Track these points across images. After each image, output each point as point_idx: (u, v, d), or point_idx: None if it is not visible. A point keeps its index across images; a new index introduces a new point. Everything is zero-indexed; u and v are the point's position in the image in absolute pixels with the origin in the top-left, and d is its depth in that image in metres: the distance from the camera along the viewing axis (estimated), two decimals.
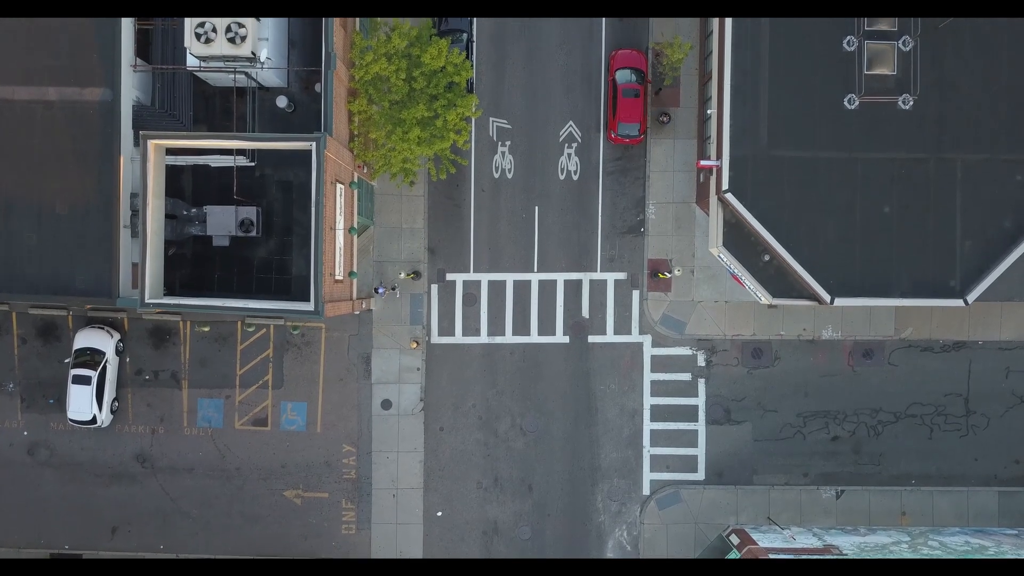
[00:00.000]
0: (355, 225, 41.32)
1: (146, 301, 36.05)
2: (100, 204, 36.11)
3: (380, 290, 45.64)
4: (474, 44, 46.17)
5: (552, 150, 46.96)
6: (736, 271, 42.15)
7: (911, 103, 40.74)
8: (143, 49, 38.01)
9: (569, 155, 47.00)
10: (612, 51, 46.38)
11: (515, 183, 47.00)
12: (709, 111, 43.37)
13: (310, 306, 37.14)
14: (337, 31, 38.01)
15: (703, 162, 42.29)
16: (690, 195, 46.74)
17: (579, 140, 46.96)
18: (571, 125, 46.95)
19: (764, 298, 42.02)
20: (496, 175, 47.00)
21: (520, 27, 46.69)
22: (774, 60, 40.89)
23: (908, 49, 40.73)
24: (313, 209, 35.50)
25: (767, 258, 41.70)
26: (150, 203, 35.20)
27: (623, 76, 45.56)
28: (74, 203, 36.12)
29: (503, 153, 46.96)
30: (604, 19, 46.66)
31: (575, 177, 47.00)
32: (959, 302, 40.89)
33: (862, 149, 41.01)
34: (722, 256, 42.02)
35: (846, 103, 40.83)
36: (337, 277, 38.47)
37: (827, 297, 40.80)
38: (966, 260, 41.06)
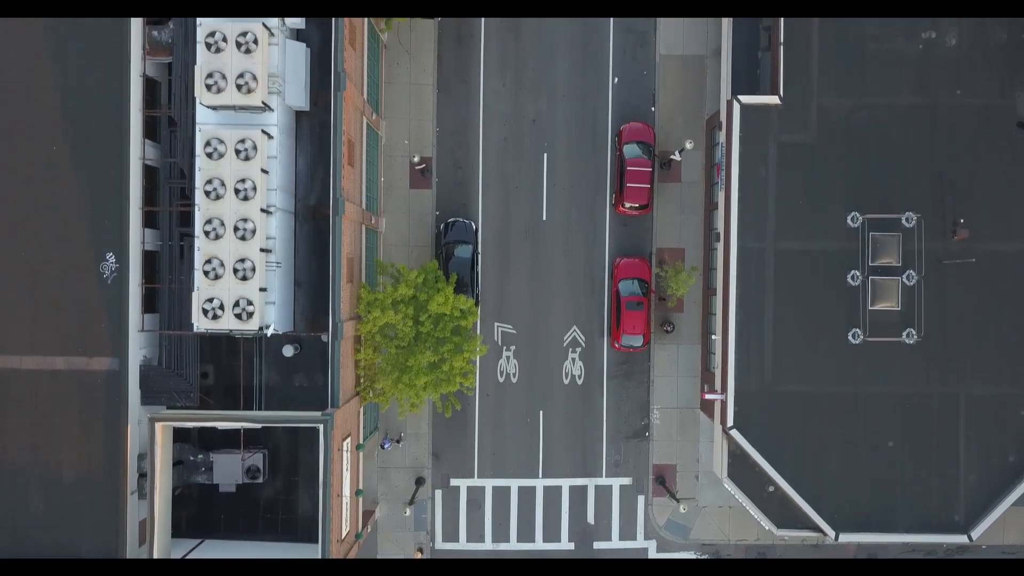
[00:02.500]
0: (361, 488, 41.65)
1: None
2: (107, 473, 36.10)
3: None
4: (479, 256, 46.23)
5: (556, 355, 47.04)
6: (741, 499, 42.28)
7: (915, 338, 40.89)
8: (149, 221, 37.98)
9: (573, 359, 47.08)
10: (616, 259, 46.46)
11: (520, 388, 47.07)
12: (713, 336, 43.49)
13: (316, 553, 37.33)
14: (344, 286, 38.07)
15: (708, 395, 42.38)
16: (694, 400, 46.84)
17: (583, 345, 47.04)
18: (575, 330, 47.04)
19: (769, 528, 42.16)
20: (501, 380, 47.06)
21: (524, 231, 46.76)
22: (779, 294, 41.04)
23: (912, 284, 40.90)
24: (320, 487, 35.60)
25: (772, 488, 41.82)
26: (158, 479, 35.22)
27: (626, 287, 45.63)
28: (81, 471, 36.12)
29: (508, 358, 47.02)
30: (608, 224, 46.77)
31: (579, 382, 47.09)
32: (963, 538, 41.07)
33: (866, 384, 41.19)
34: (727, 486, 42.18)
35: (850, 338, 41.00)
36: (342, 537, 38.52)
37: (831, 532, 40.95)
38: (970, 494, 41.27)
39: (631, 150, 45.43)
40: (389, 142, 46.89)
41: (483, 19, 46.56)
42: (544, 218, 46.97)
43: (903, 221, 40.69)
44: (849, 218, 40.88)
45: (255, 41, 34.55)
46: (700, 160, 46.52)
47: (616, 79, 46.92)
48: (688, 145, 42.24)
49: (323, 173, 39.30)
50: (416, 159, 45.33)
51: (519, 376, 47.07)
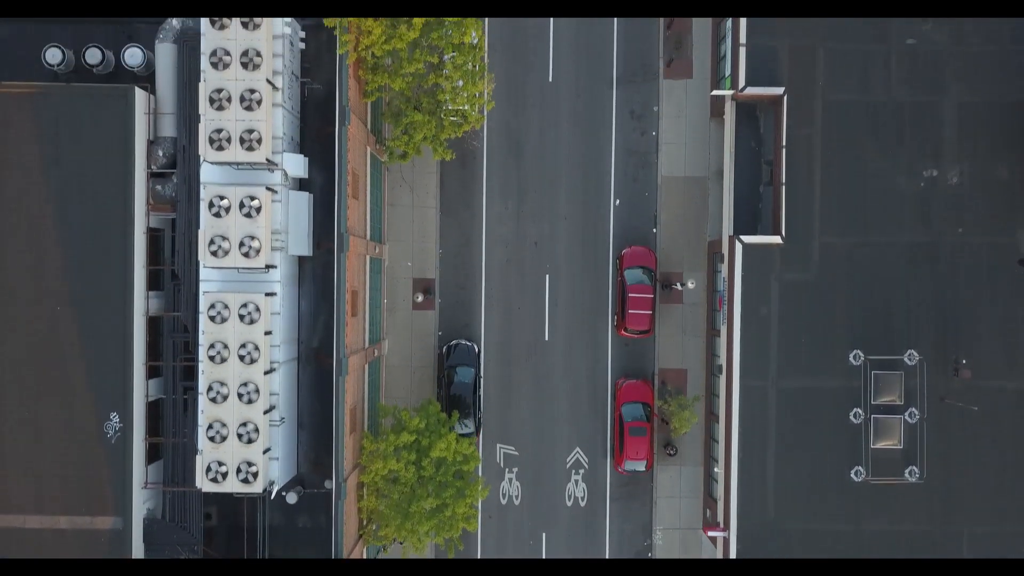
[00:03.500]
0: None
1: None
2: None
3: None
4: (481, 380, 46.30)
5: (559, 476, 47.06)
6: None
7: (918, 476, 40.92)
8: (153, 370, 37.98)
9: (576, 481, 47.10)
10: (618, 380, 46.52)
11: (522, 510, 47.08)
12: (716, 468, 43.54)
13: None
14: (348, 437, 38.15)
15: (711, 532, 42.42)
16: (696, 521, 46.85)
17: (586, 467, 47.06)
18: (578, 451, 47.08)
19: None
20: (503, 501, 47.07)
21: (527, 352, 46.84)
22: (781, 431, 41.12)
23: (915, 422, 40.94)
24: None
25: None
26: None
27: (629, 410, 45.65)
28: None
29: (510, 480, 47.05)
30: (609, 345, 46.83)
31: (582, 504, 47.10)
32: None
33: (869, 521, 41.22)
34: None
35: (853, 476, 41.03)
36: None
37: None
38: None
39: (633, 275, 45.50)
40: (392, 264, 46.98)
41: (485, 144, 46.61)
42: (546, 339, 47.05)
43: (905, 359, 40.73)
44: (851, 356, 40.93)
45: (258, 208, 34.63)
46: (702, 282, 46.59)
47: (618, 201, 47.01)
48: (690, 284, 42.37)
49: (326, 316, 39.39)
50: (419, 298, 45.57)
51: (521, 498, 47.09)
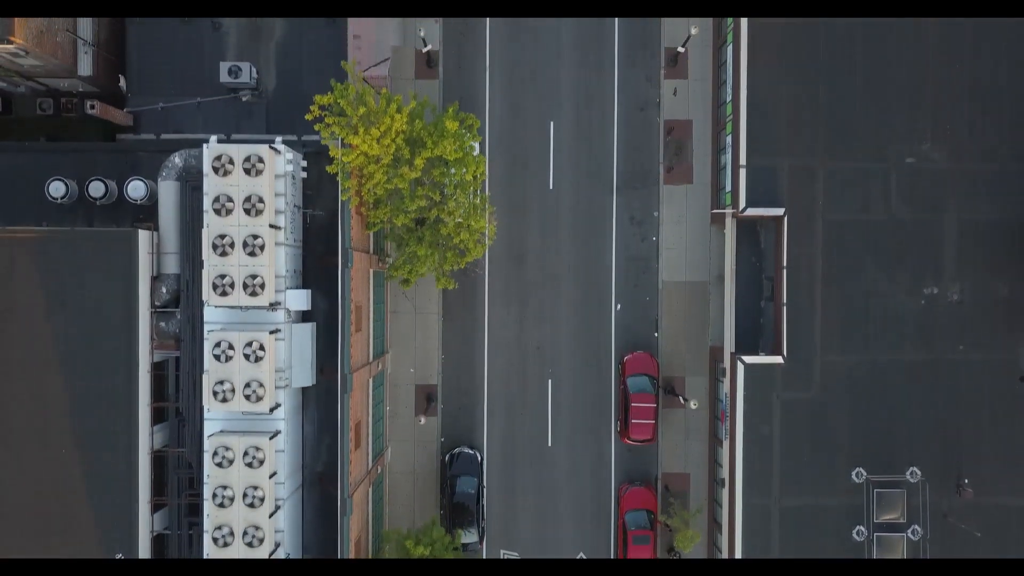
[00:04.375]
0: None
1: None
2: None
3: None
4: (484, 489, 46.42)
5: None
6: None
7: None
8: (158, 503, 38.12)
9: None
10: (621, 486, 46.65)
11: None
12: None
13: None
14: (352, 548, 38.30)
15: None
16: None
17: None
18: (581, 557, 47.17)
19: None
20: None
21: (529, 458, 46.98)
22: (784, 549, 41.23)
23: (917, 539, 41.06)
24: None
25: None
26: None
27: (633, 518, 45.75)
28: None
29: None
30: (612, 450, 46.95)
31: None
32: None
33: None
34: None
35: None
36: None
37: None
38: None
39: (635, 383, 45.62)
40: (395, 371, 47.13)
41: (487, 255, 46.68)
42: (549, 444, 47.17)
43: (907, 477, 40.83)
44: (853, 474, 41.03)
45: (261, 353, 34.79)
46: (704, 386, 46.71)
47: (619, 306, 47.15)
48: (692, 405, 42.50)
49: (330, 439, 39.53)
50: (422, 420, 45.81)
51: None
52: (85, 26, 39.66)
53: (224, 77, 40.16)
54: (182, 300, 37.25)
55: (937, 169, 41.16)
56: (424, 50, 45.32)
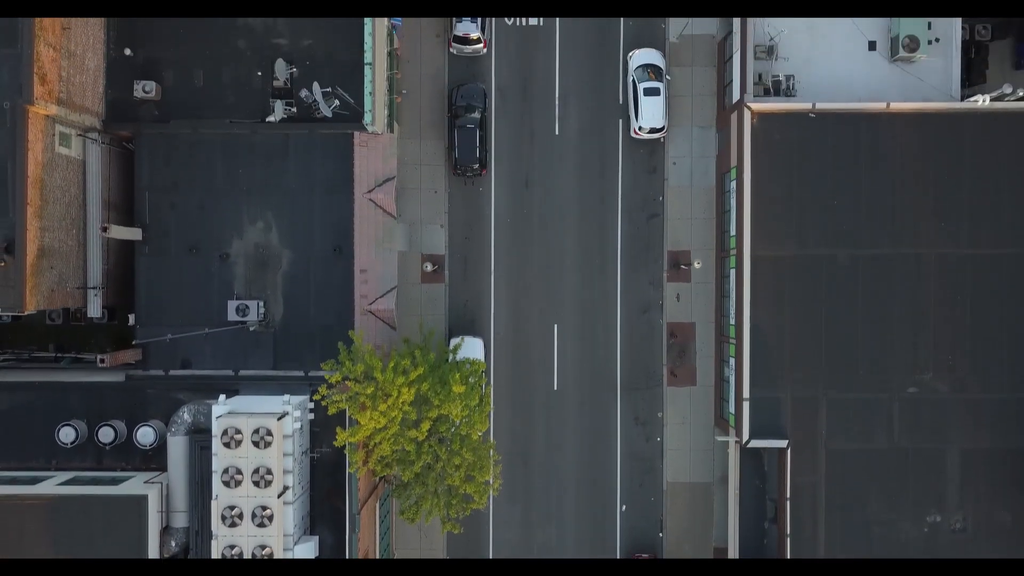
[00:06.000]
0: None
1: None
2: None
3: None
4: None
5: None
6: None
7: None
8: None
9: None
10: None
11: None
12: None
13: None
14: None
15: None
16: None
17: None
18: None
19: None
20: None
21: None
22: None
23: None
24: None
25: None
26: None
27: None
28: None
29: None
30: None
31: None
32: None
33: None
34: None
35: None
36: None
37: None
38: None
39: None
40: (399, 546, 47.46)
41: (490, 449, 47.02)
42: None
43: None
44: None
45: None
46: None
47: (624, 507, 47.46)
48: None
49: None
50: None
51: None
52: (94, 270, 40.08)
53: (232, 316, 40.70)
54: (191, 554, 37.65)
55: (939, 399, 41.47)
56: (429, 269, 45.95)
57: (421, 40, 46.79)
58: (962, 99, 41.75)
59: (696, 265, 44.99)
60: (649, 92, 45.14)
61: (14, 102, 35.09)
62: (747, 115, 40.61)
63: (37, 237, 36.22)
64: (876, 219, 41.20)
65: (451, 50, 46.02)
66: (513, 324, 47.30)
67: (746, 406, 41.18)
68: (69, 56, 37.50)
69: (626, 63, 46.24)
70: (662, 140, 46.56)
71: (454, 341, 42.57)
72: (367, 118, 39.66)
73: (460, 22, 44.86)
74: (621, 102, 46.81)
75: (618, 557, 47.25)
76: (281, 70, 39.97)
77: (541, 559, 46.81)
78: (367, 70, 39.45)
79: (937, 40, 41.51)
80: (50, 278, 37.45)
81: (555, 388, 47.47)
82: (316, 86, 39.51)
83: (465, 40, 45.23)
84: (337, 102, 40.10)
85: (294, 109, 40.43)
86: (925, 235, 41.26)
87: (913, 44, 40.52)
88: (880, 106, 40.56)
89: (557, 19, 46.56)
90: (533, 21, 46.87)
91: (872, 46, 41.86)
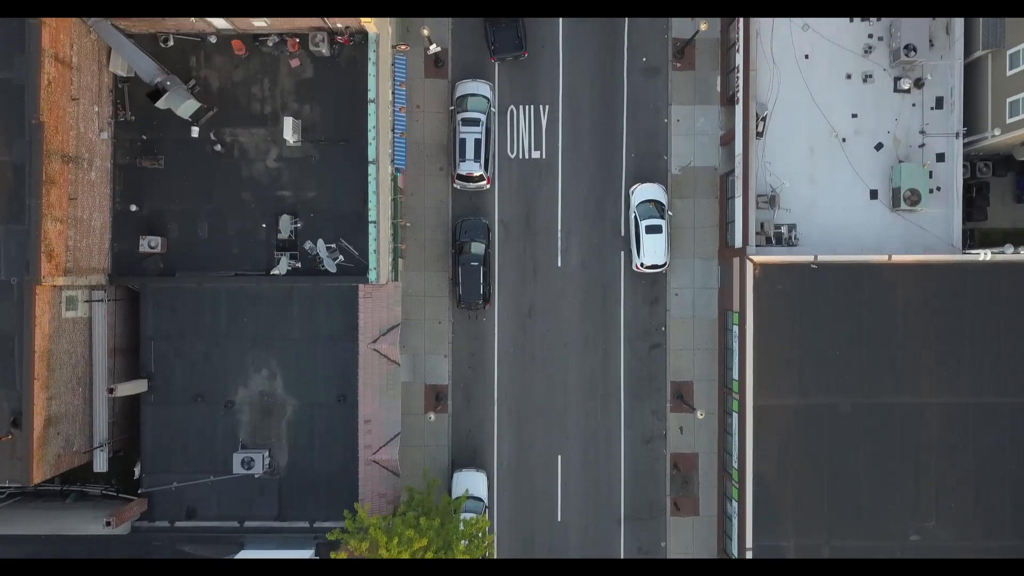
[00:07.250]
0: None
1: None
2: None
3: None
4: None
5: None
6: None
7: None
8: None
9: None
10: None
11: None
12: None
13: None
14: None
15: None
16: None
17: None
18: None
19: None
20: None
21: None
22: None
23: None
24: None
25: None
26: None
27: None
28: None
29: None
30: None
31: None
32: None
33: None
34: None
35: None
36: None
37: None
38: None
39: None
40: None
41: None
42: None
43: None
44: None
45: None
46: None
47: None
48: None
49: None
50: None
51: None
52: (100, 427, 40.32)
53: (238, 469, 40.91)
54: None
55: (942, 546, 41.58)
56: (436, 409, 46.19)
57: (424, 173, 47.07)
58: (964, 246, 41.95)
59: (700, 416, 45.38)
60: (651, 230, 45.39)
61: (21, 279, 35.35)
62: (749, 267, 40.83)
63: (44, 408, 36.46)
64: (877, 368, 41.39)
65: (455, 185, 46.28)
66: (516, 454, 47.50)
67: (749, 554, 41.31)
68: (76, 223, 37.78)
69: (628, 197, 46.50)
70: (664, 272, 46.82)
71: (456, 493, 42.68)
72: (371, 275, 39.90)
73: (464, 161, 45.09)
74: (623, 234, 47.12)
75: None
76: (285, 226, 40.25)
77: (541, 559, 46.77)
78: (371, 228, 39.69)
79: (939, 188, 41.72)
80: (56, 444, 37.68)
81: (559, 519, 47.60)
82: (321, 243, 39.80)
83: (468, 178, 45.49)
84: (341, 257, 40.35)
85: (299, 264, 40.70)
86: (926, 384, 41.44)
87: (915, 197, 40.71)
88: (882, 258, 40.79)
89: (559, 154, 46.88)
90: (536, 155, 47.20)
91: (874, 195, 42.05)
